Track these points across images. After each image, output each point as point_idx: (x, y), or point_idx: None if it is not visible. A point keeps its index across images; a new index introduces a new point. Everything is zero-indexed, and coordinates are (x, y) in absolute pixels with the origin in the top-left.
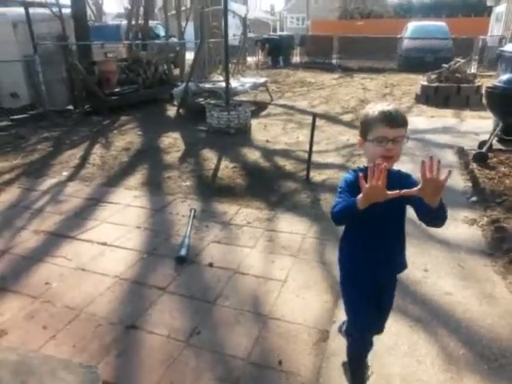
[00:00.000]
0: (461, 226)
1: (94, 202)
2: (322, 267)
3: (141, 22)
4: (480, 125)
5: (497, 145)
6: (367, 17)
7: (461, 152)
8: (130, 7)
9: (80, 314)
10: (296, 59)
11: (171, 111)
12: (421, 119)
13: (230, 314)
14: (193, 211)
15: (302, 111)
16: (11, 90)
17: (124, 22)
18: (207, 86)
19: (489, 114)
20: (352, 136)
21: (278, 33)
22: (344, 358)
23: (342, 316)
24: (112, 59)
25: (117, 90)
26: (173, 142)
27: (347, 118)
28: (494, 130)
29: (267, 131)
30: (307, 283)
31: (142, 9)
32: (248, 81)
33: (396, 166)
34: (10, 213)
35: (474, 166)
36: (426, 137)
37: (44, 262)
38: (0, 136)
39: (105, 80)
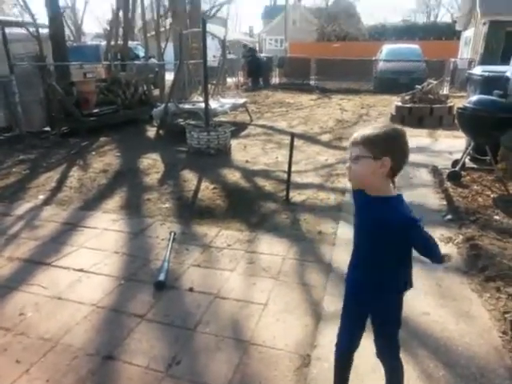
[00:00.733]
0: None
1: (70, 227)
2: (303, 289)
3: (120, 42)
4: (453, 144)
5: (469, 163)
6: (343, 39)
7: (435, 171)
8: (108, 28)
9: (55, 346)
10: (275, 80)
11: (151, 132)
12: None
13: (211, 340)
14: (172, 234)
15: (281, 131)
16: None
17: (103, 43)
18: (187, 106)
19: (461, 133)
20: (330, 156)
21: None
22: (326, 382)
23: (322, 340)
24: (91, 80)
25: (95, 110)
26: (152, 163)
27: (325, 138)
28: (467, 149)
29: (247, 152)
30: (288, 306)
31: (121, 29)
32: (227, 102)
33: None
34: None
35: (448, 184)
36: None
37: (18, 291)
38: None
39: (83, 101)
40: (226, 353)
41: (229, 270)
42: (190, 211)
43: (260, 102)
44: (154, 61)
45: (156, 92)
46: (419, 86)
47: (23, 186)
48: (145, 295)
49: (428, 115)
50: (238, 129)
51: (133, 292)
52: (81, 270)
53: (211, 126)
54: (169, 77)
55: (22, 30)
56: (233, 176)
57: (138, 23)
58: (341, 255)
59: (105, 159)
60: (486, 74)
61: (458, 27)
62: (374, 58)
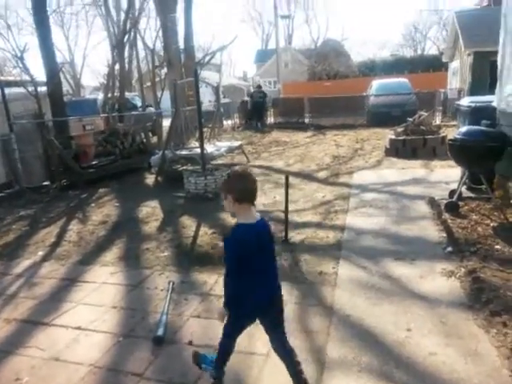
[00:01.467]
0: (439, 279)
1: (69, 283)
2: (305, 335)
3: (117, 94)
4: (449, 174)
5: (467, 193)
6: (334, 77)
7: (432, 202)
8: (105, 81)
9: None
10: (270, 120)
11: (149, 179)
12: (391, 172)
13: None
14: (171, 284)
15: (278, 171)
16: None
17: (101, 96)
18: (184, 152)
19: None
20: (328, 193)
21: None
22: None
23: None
24: (89, 132)
25: (94, 162)
26: (151, 211)
27: (322, 174)
28: (462, 178)
29: None
30: None
31: (117, 82)
32: (223, 145)
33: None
34: None
35: (446, 215)
36: (398, 189)
37: (15, 355)
38: None
39: (82, 153)
40: None
41: None
42: (188, 259)
43: (256, 143)
44: (151, 109)
45: (154, 139)
46: (411, 119)
47: (22, 242)
48: (143, 352)
49: (421, 146)
50: None
51: (131, 349)
52: (79, 328)
53: (208, 170)
54: (166, 123)
55: (21, 90)
56: (231, 219)
57: (135, 74)
58: (343, 296)
59: (104, 210)
60: (473, 104)
61: (444, 59)
62: (365, 94)
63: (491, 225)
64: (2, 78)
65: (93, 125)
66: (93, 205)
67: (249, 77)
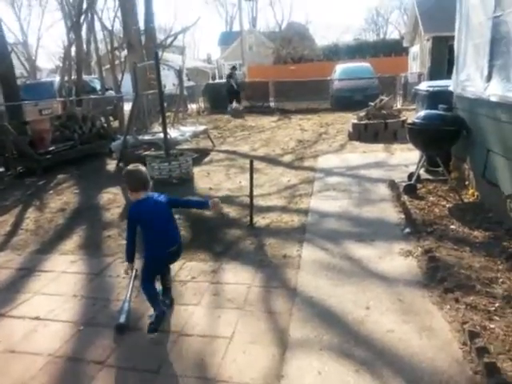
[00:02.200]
0: (397, 259)
1: (26, 272)
2: (269, 317)
3: (74, 77)
4: (408, 157)
5: (424, 175)
6: (299, 61)
7: (392, 185)
8: (61, 64)
9: None
10: (236, 104)
11: (111, 165)
12: (354, 155)
13: (175, 382)
14: (134, 271)
15: (244, 155)
16: None
17: (58, 78)
18: (146, 137)
19: None
20: (293, 177)
21: (216, 80)
22: None
23: (289, 369)
24: (45, 117)
25: (51, 148)
26: (113, 198)
27: (287, 158)
28: (420, 161)
29: (210, 178)
30: (254, 337)
31: (74, 65)
32: (188, 129)
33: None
34: None
35: (405, 197)
36: (361, 172)
37: None
38: None
39: (38, 139)
40: None
41: (193, 305)
42: None
43: (222, 127)
44: (111, 93)
45: (116, 124)
46: (372, 104)
47: None
48: (105, 340)
49: (383, 130)
50: (200, 156)
51: (92, 338)
52: (37, 318)
53: (172, 156)
54: (128, 107)
55: None
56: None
57: (94, 56)
58: (306, 278)
59: (63, 197)
60: (431, 89)
61: (405, 43)
62: (329, 78)
63: (447, 206)
64: None
65: (50, 109)
66: (51, 192)
67: (213, 59)
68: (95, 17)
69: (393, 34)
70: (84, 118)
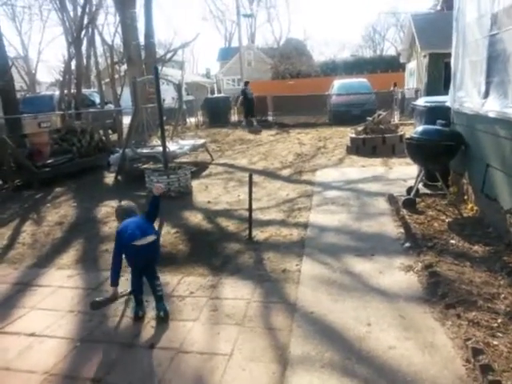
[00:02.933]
0: (398, 274)
1: (22, 287)
2: (268, 333)
3: (74, 90)
4: (407, 171)
5: (423, 189)
6: (297, 76)
7: (391, 199)
8: (61, 77)
9: None
10: (234, 118)
11: (109, 178)
12: (353, 169)
13: None
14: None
15: (243, 169)
16: None
17: (57, 92)
18: (145, 151)
19: None
20: (291, 190)
21: (215, 95)
22: None
23: None
24: (44, 130)
25: (49, 161)
26: (111, 211)
27: (286, 172)
28: (418, 176)
29: (208, 192)
30: (254, 354)
31: (74, 79)
32: (187, 143)
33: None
34: None
35: (404, 212)
36: (359, 186)
37: None
38: None
39: (36, 152)
40: None
41: (191, 321)
42: None
43: (220, 141)
44: (110, 106)
45: (115, 137)
46: (370, 118)
47: None
48: (102, 356)
49: (381, 144)
50: (199, 169)
51: (89, 354)
52: (32, 335)
53: (171, 169)
54: (127, 121)
55: None
56: (195, 218)
57: (94, 70)
58: (306, 293)
59: (60, 211)
60: (429, 104)
61: (402, 60)
62: (327, 93)
63: (446, 220)
64: None
65: (49, 122)
66: (48, 205)
67: (212, 74)
68: (96, 32)
69: (389, 50)
70: (83, 131)
